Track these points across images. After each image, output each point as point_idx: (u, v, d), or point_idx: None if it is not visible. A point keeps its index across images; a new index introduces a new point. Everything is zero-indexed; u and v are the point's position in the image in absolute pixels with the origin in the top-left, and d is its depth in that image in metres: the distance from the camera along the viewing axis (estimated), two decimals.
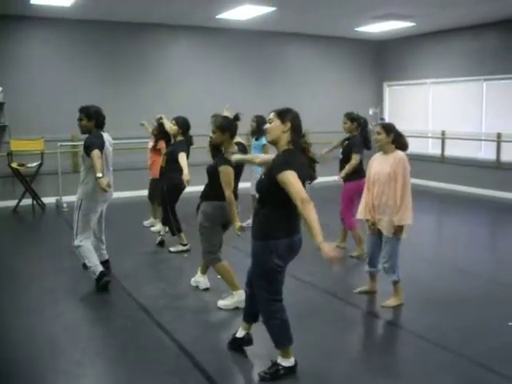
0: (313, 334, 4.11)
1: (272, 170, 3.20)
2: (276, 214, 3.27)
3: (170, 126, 6.34)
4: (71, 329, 4.26)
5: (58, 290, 5.13)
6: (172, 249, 6.40)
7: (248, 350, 3.78)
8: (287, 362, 3.41)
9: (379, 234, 4.63)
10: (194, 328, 4.27)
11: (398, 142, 4.58)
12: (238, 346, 3.78)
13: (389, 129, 4.58)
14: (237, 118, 4.72)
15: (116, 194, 9.67)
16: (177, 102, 9.85)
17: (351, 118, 6.18)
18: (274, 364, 3.43)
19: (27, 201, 9.06)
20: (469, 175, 10.69)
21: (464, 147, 10.97)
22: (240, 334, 3.77)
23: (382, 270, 4.70)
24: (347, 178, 6.01)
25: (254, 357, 3.74)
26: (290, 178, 3.08)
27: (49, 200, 9.43)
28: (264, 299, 3.40)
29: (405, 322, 4.42)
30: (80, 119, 5.06)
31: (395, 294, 4.65)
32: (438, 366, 3.62)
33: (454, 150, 11.14)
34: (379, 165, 4.57)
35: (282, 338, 3.41)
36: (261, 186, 3.35)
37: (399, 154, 4.52)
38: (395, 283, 4.63)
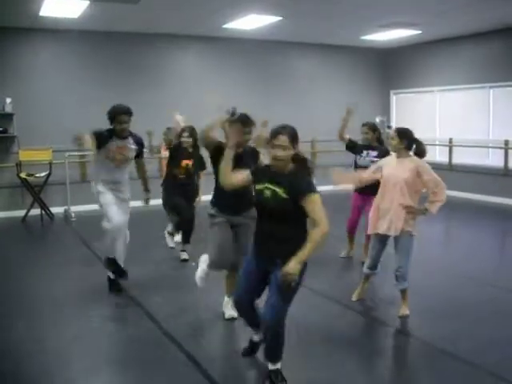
0: (322, 343, 4.10)
1: (297, 190, 3.14)
2: (303, 231, 3.26)
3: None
4: (79, 338, 4.26)
5: (65, 300, 5.14)
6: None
7: (258, 359, 3.78)
8: (279, 365, 3.45)
9: (383, 238, 4.63)
10: (202, 336, 4.27)
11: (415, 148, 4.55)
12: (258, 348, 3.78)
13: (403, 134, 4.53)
14: (233, 114, 4.13)
15: None
16: (183, 111, 9.86)
17: (373, 128, 6.06)
18: (275, 371, 3.41)
19: (36, 211, 9.11)
20: (476, 182, 10.66)
21: (471, 154, 10.95)
22: (258, 337, 3.75)
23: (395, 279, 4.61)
24: None
25: (263, 364, 3.73)
26: (319, 201, 3.14)
27: (57, 210, 9.47)
28: (282, 311, 3.26)
29: (415, 330, 4.38)
30: (126, 122, 4.97)
31: (405, 301, 4.62)
32: (450, 376, 3.60)
33: (461, 157, 11.12)
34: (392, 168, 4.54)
35: (281, 350, 3.40)
36: (282, 204, 3.17)
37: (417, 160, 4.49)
38: (405, 291, 4.60)
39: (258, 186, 3.29)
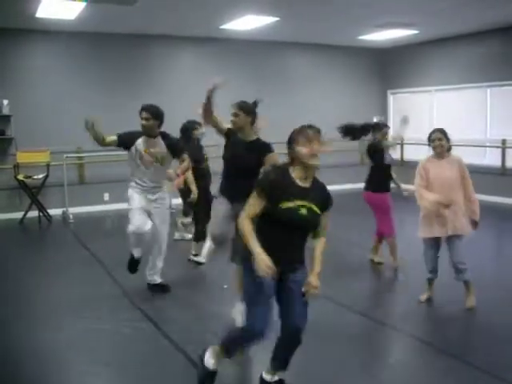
0: (318, 340, 4.10)
1: (326, 205, 3.08)
2: None
3: None
4: (76, 340, 4.26)
5: (63, 301, 5.13)
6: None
7: (254, 360, 3.77)
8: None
9: (437, 240, 4.76)
10: (202, 338, 4.25)
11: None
12: None
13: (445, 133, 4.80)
14: (255, 103, 4.30)
15: (115, 206, 9.74)
16: (180, 113, 9.87)
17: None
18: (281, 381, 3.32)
19: (34, 213, 9.09)
20: (474, 182, 10.58)
21: (469, 154, 10.93)
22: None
23: (455, 273, 4.74)
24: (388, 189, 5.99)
25: (260, 367, 3.73)
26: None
27: (55, 212, 9.47)
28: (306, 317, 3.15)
29: (411, 328, 4.39)
30: (146, 119, 4.94)
31: (471, 292, 4.73)
32: (442, 373, 3.60)
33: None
34: (440, 168, 4.80)
35: None
36: (316, 219, 3.04)
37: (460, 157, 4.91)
38: (469, 282, 4.72)
39: (287, 204, 2.91)
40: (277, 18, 8.75)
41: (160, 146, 5.00)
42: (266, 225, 2.99)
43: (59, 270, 6.19)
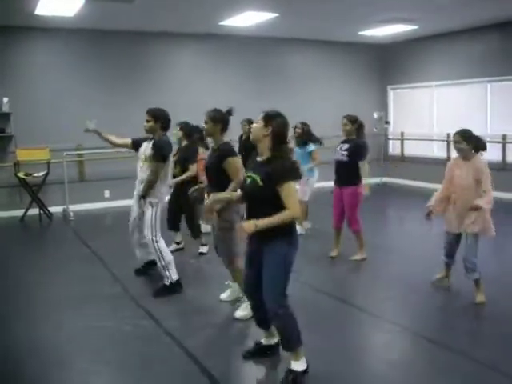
0: (319, 337, 4.10)
1: (270, 178, 3.18)
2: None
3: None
4: (77, 338, 4.26)
5: (64, 299, 5.13)
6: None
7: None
8: (301, 365, 3.38)
9: (457, 235, 4.94)
10: (201, 333, 4.26)
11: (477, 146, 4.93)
12: (264, 352, 3.75)
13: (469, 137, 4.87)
14: (229, 112, 4.53)
15: (116, 203, 9.72)
16: (180, 110, 9.87)
17: (352, 120, 6.07)
18: (291, 372, 3.36)
19: (34, 210, 9.09)
20: None
21: None
22: (266, 340, 3.75)
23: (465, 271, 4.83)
24: (356, 182, 6.00)
25: (262, 360, 3.73)
26: (292, 188, 3.21)
27: (56, 209, 9.46)
28: (278, 295, 3.29)
29: (409, 323, 4.39)
30: (147, 121, 5.12)
31: (480, 290, 4.77)
32: (445, 369, 3.60)
33: None
34: (460, 170, 4.90)
35: (295, 339, 3.36)
36: (258, 191, 3.25)
37: (480, 161, 4.92)
38: (478, 281, 4.77)
39: (246, 174, 3.48)
40: (276, 14, 8.73)
41: (149, 146, 5.14)
42: None
43: (60, 268, 6.18)
